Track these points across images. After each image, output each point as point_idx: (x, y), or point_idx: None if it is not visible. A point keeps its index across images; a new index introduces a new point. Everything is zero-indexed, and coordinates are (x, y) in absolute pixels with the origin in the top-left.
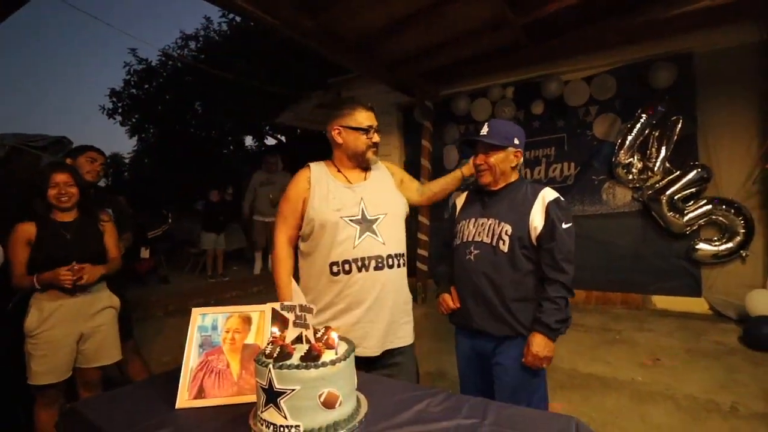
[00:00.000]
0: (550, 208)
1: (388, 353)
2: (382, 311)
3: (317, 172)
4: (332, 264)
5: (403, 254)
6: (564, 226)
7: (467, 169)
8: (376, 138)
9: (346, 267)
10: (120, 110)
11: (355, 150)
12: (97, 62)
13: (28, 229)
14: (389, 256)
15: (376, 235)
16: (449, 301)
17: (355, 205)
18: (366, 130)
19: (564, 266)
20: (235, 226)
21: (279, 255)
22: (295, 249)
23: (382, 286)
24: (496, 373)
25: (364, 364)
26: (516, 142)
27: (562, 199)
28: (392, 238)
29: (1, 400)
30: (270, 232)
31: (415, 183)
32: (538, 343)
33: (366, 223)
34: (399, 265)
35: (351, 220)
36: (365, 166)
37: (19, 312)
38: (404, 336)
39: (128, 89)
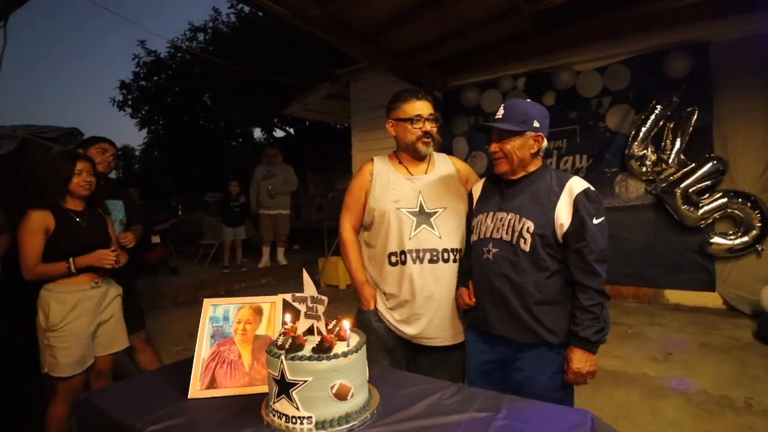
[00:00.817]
0: (579, 201)
1: (437, 350)
2: (435, 304)
3: (379, 165)
4: (390, 254)
5: (460, 250)
6: (595, 221)
7: None
8: (426, 127)
9: (403, 257)
10: (130, 102)
11: (406, 141)
12: (108, 54)
13: (44, 217)
14: (445, 250)
15: (433, 228)
16: (465, 296)
17: (414, 197)
18: (413, 120)
19: (596, 268)
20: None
21: (346, 239)
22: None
23: (436, 279)
24: (518, 381)
25: (413, 351)
26: (536, 125)
27: (593, 189)
28: (450, 233)
29: (16, 394)
30: (276, 225)
31: None
32: (579, 359)
33: (423, 216)
34: (456, 260)
35: (408, 212)
36: (421, 157)
37: (25, 307)
38: (459, 333)
39: (138, 81)
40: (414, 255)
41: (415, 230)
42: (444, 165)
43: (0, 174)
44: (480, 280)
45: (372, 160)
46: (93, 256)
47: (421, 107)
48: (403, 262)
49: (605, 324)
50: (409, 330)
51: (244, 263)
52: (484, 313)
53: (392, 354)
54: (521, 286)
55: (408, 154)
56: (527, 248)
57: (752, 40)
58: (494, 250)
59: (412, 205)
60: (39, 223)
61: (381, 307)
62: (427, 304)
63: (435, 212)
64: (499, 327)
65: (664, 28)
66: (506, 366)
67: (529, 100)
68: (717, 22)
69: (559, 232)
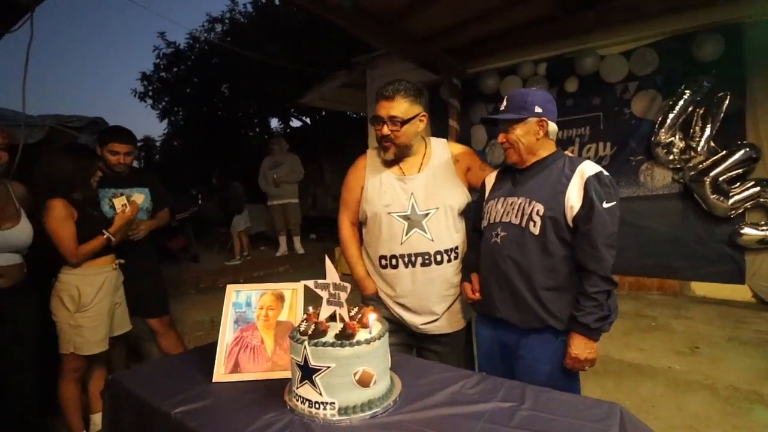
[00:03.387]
0: (590, 184)
1: (432, 337)
2: (431, 303)
3: (372, 160)
4: (381, 257)
5: (454, 248)
6: (605, 205)
7: None
8: (384, 131)
9: (393, 262)
10: (150, 93)
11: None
12: (132, 47)
13: (68, 206)
14: (437, 252)
15: (425, 231)
16: (468, 290)
17: (405, 201)
18: (375, 120)
19: (603, 252)
20: (260, 207)
21: (344, 235)
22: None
23: (430, 281)
24: (520, 369)
25: (420, 339)
26: (537, 110)
27: (606, 173)
28: (442, 234)
29: (42, 375)
30: (287, 214)
31: (487, 171)
32: (578, 345)
33: (415, 219)
34: (450, 260)
35: (399, 216)
36: (392, 162)
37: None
38: (448, 324)
39: (158, 72)
40: (406, 259)
41: (406, 235)
42: (441, 157)
43: (31, 163)
44: (487, 263)
45: (366, 153)
46: (118, 220)
47: (383, 108)
48: (395, 266)
49: (610, 312)
50: (412, 319)
51: (249, 252)
52: (489, 297)
53: (399, 339)
54: (527, 269)
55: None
56: (536, 231)
57: None
58: (503, 234)
59: (403, 209)
60: (68, 210)
61: (383, 295)
62: (423, 303)
63: (427, 213)
64: (503, 310)
65: (694, 8)
66: (510, 352)
67: (530, 88)
68: (751, 2)
69: (569, 215)
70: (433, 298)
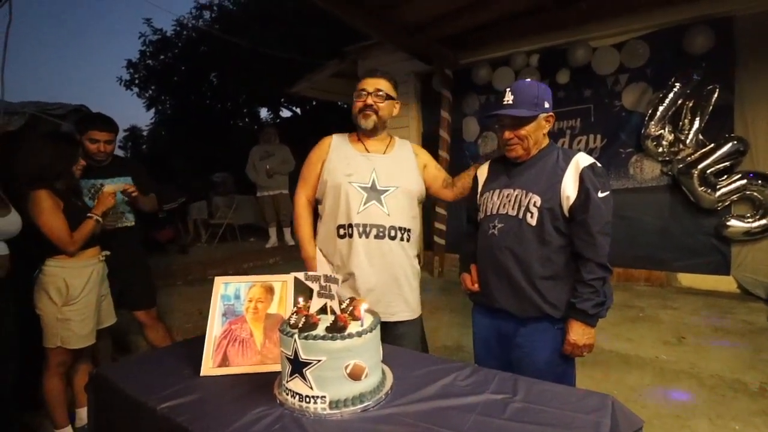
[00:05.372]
0: (585, 174)
1: (387, 325)
2: (380, 279)
3: (338, 139)
4: (339, 226)
5: (408, 230)
6: (600, 194)
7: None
8: (368, 100)
9: (350, 230)
10: (137, 82)
11: (354, 114)
12: (117, 32)
13: (53, 196)
14: (392, 227)
15: (382, 204)
16: (468, 281)
17: (367, 173)
18: (358, 94)
19: (599, 240)
20: (249, 198)
21: (299, 213)
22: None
23: (382, 254)
24: (518, 357)
25: None
26: (546, 105)
27: (599, 164)
28: (398, 212)
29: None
30: (278, 205)
31: (442, 174)
32: (576, 331)
33: (374, 192)
34: (403, 239)
35: (360, 186)
36: (367, 133)
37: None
38: (401, 311)
39: (144, 60)
40: (361, 229)
41: (364, 205)
42: (404, 150)
43: (10, 151)
44: (484, 255)
45: (332, 135)
46: (100, 200)
47: (369, 83)
48: (350, 235)
49: (605, 298)
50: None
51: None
52: (487, 288)
53: None
54: (525, 259)
55: (358, 131)
56: (534, 222)
57: None
58: (500, 225)
59: (364, 180)
60: (56, 200)
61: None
62: (373, 278)
63: (387, 190)
64: (501, 300)
65: (686, 1)
66: (508, 341)
67: (531, 80)
68: None
69: (566, 206)
70: (384, 275)
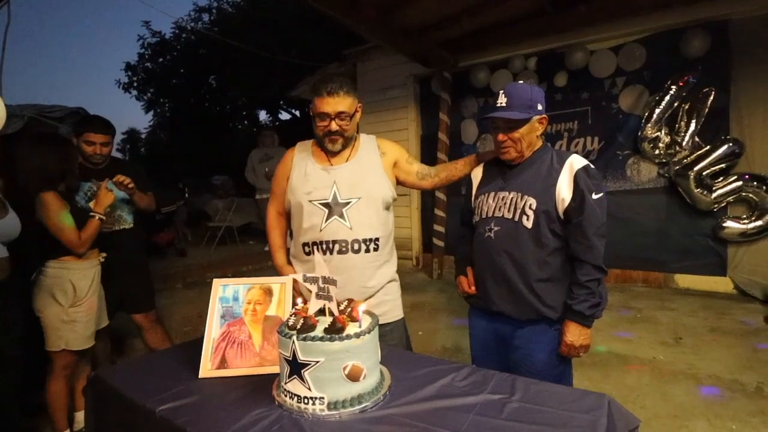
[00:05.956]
0: (579, 176)
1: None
2: (346, 293)
3: (300, 152)
4: (304, 245)
5: (375, 239)
6: (595, 196)
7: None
8: (332, 127)
9: (314, 248)
10: (135, 84)
11: (317, 135)
12: (115, 35)
13: (59, 198)
14: (355, 240)
15: (344, 219)
16: (464, 284)
17: (327, 188)
18: (319, 117)
19: (594, 242)
20: (248, 200)
21: (270, 224)
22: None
23: (345, 269)
24: (516, 359)
25: None
26: (540, 108)
27: (592, 166)
28: (362, 223)
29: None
30: None
31: (415, 166)
32: (573, 332)
33: (336, 206)
34: (368, 250)
35: (320, 204)
36: (333, 153)
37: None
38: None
39: (143, 63)
40: (324, 246)
41: (326, 221)
42: (368, 150)
43: (9, 154)
44: (481, 258)
45: (295, 146)
46: (99, 197)
47: (329, 104)
48: (314, 253)
49: (601, 299)
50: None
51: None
52: (484, 290)
53: None
54: (522, 262)
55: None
56: (529, 225)
57: None
58: (496, 228)
59: (324, 197)
60: (62, 201)
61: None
62: (339, 293)
63: (348, 202)
64: (499, 303)
65: (683, 5)
66: (506, 343)
67: (524, 83)
68: None
69: (561, 208)
70: (348, 288)
